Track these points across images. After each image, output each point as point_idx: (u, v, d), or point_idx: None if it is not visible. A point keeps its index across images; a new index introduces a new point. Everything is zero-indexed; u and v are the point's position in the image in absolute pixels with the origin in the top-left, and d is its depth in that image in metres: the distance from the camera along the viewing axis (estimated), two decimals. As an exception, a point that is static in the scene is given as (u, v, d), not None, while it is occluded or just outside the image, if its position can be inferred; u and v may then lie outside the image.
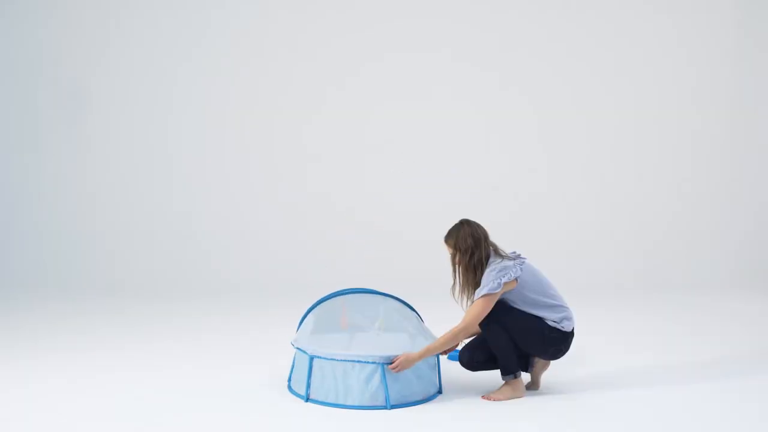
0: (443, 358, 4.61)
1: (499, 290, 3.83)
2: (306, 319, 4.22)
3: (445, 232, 4.05)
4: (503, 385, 4.00)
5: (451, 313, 6.07)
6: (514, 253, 4.01)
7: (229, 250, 7.64)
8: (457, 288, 4.00)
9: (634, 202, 7.84)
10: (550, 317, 3.93)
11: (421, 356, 3.84)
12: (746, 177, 7.89)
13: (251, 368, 4.50)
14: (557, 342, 3.95)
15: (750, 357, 4.84)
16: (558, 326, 3.93)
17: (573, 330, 4.01)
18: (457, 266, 3.98)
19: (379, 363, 3.74)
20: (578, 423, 3.62)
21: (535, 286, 3.94)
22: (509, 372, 3.96)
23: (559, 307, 3.98)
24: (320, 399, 3.83)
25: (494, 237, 4.07)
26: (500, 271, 3.85)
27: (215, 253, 7.63)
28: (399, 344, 4.32)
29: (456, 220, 4.04)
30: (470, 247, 3.92)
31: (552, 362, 4.62)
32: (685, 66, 7.84)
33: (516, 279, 3.87)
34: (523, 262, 3.95)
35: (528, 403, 3.88)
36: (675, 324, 5.87)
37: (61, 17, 7.76)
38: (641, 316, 6.19)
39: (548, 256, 7.55)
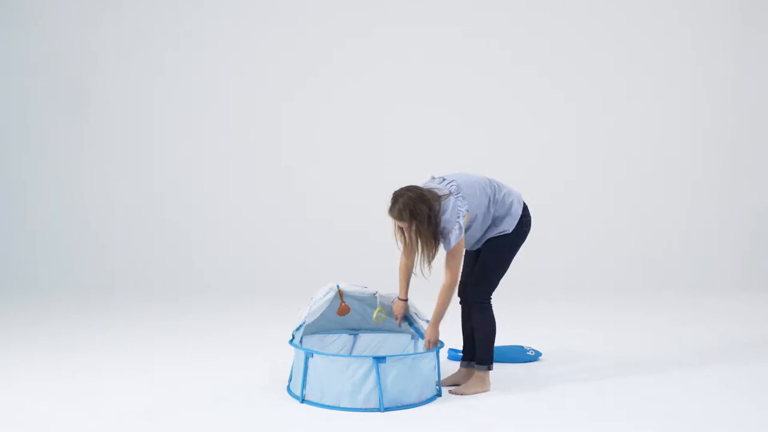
0: (443, 358, 4.59)
1: (463, 232, 3.85)
2: (305, 320, 4.21)
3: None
4: (475, 377, 4.05)
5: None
6: (441, 179, 3.99)
7: (227, 250, 7.61)
8: (418, 256, 3.91)
9: (637, 202, 7.79)
10: (514, 212, 4.03)
11: (436, 325, 3.98)
12: (752, 177, 7.82)
13: (250, 369, 4.47)
14: (526, 232, 4.10)
15: (751, 357, 4.81)
16: (523, 223, 4.04)
17: (525, 204, 4.13)
18: (417, 236, 3.84)
19: (374, 363, 3.70)
20: (579, 423, 3.59)
21: (482, 199, 3.96)
22: (487, 363, 4.03)
23: (509, 195, 4.08)
24: (315, 401, 3.79)
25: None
26: (454, 212, 3.83)
27: (214, 254, 7.61)
28: (401, 345, 4.31)
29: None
30: (425, 212, 3.78)
31: (551, 362, 4.61)
32: (693, 66, 7.76)
33: (468, 210, 3.89)
34: (458, 189, 3.90)
35: (528, 404, 3.85)
36: (678, 324, 5.84)
37: (60, 17, 7.75)
38: (645, 316, 6.16)
39: (551, 256, 7.58)
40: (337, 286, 4.18)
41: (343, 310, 4.22)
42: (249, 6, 7.74)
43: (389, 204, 3.85)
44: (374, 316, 4.22)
